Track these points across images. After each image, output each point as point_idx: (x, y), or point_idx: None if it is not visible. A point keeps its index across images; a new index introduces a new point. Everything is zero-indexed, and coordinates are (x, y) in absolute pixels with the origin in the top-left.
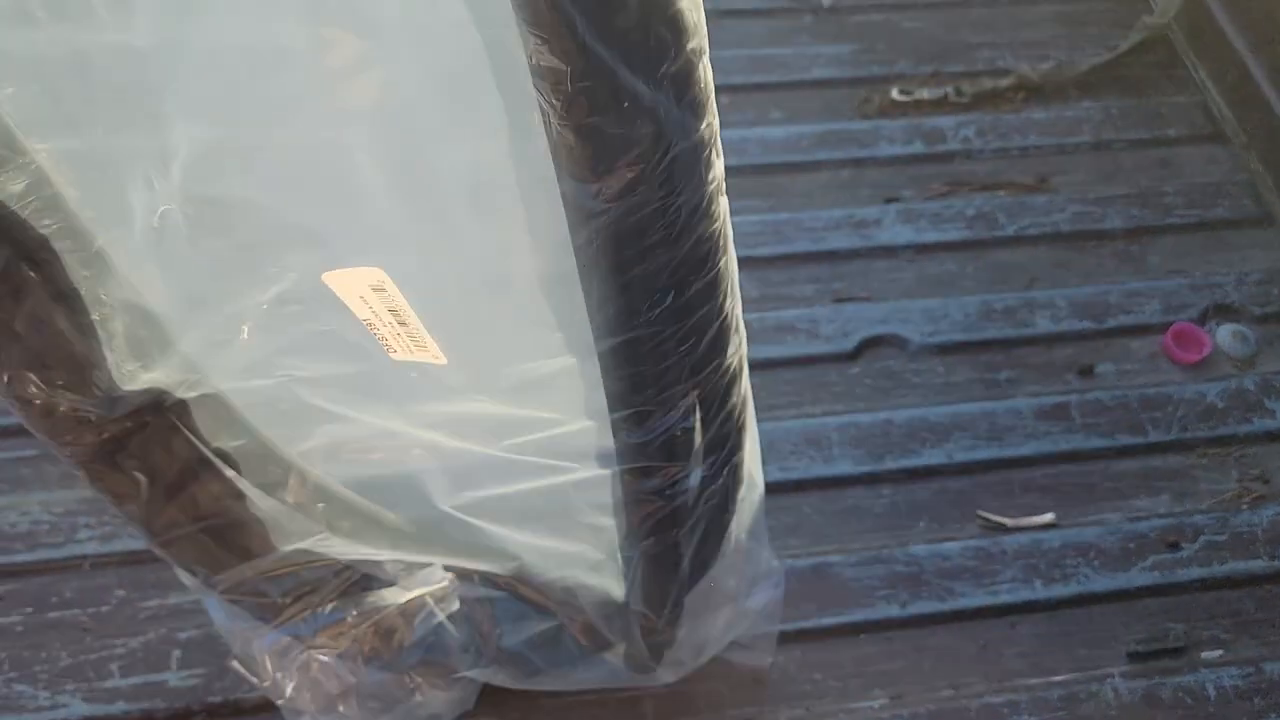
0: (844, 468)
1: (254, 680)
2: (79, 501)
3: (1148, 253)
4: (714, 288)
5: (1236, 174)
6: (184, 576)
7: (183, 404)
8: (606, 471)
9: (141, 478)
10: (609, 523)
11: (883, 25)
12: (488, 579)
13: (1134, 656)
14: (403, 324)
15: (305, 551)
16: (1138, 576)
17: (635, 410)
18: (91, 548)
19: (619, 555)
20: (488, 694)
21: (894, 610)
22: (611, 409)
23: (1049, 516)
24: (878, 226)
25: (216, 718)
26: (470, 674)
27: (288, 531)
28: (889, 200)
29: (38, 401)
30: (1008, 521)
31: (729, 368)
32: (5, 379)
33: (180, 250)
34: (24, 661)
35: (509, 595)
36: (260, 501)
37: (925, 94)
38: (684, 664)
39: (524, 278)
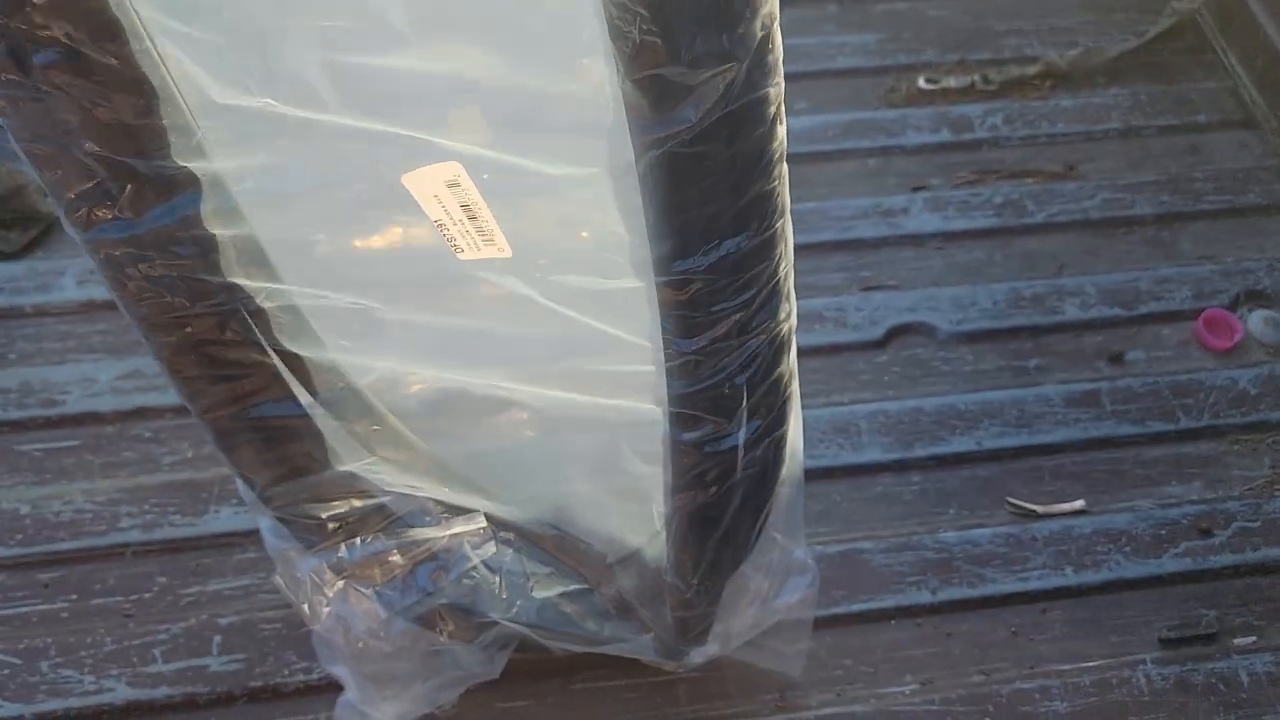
0: (873, 455)
1: (292, 600)
2: (121, 490)
3: (1178, 239)
4: (770, 247)
5: (1268, 159)
6: (242, 490)
7: (262, 313)
8: (657, 415)
9: (217, 376)
10: (650, 471)
11: (908, 13)
12: (525, 534)
13: (1166, 643)
14: (473, 218)
15: (355, 476)
16: (1169, 563)
17: (685, 360)
18: (134, 535)
19: (656, 517)
20: (521, 671)
21: (924, 596)
22: (667, 355)
23: (1079, 503)
24: (905, 215)
25: (257, 701)
26: (499, 619)
27: (341, 454)
28: (916, 189)
29: (146, 295)
30: (1038, 508)
31: (779, 335)
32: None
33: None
34: (69, 647)
35: (543, 554)
36: (320, 420)
37: (952, 82)
38: (713, 652)
39: (599, 189)
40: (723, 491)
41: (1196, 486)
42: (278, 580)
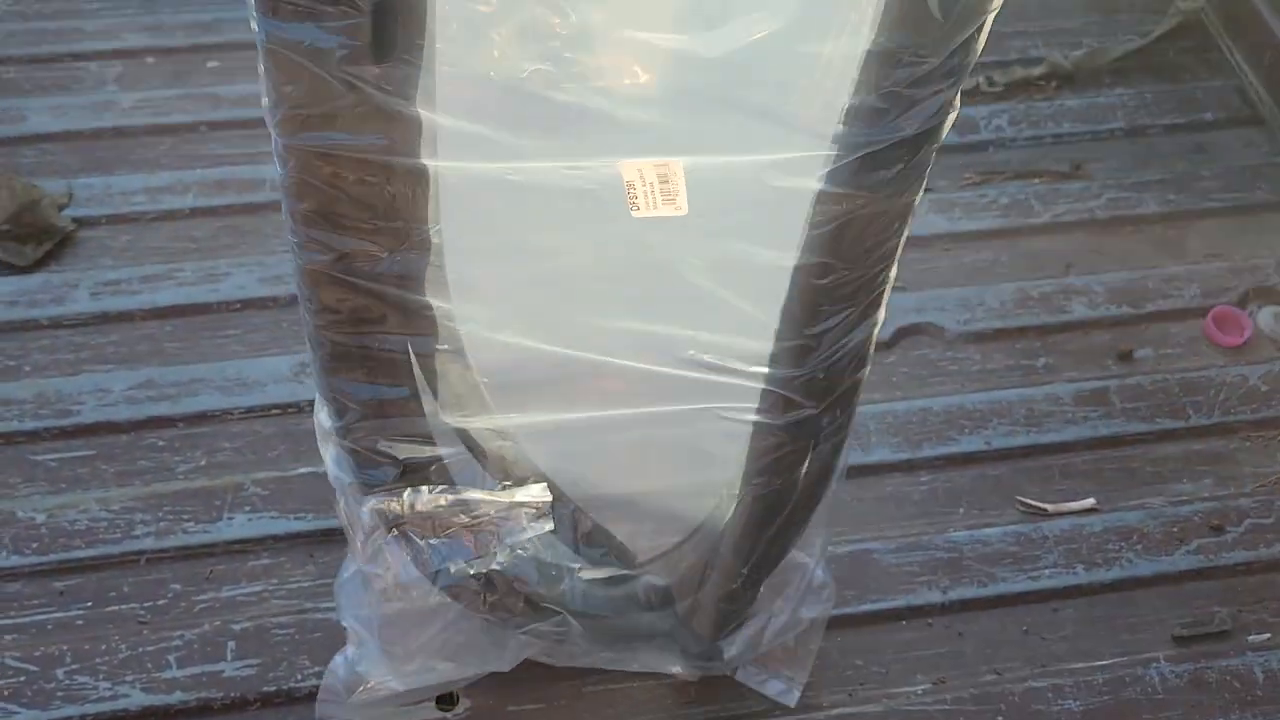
0: (882, 455)
1: (348, 536)
2: (135, 499)
3: (1185, 237)
4: (893, 254)
5: (1275, 156)
6: (322, 418)
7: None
8: (754, 391)
9: (350, 301)
10: (732, 452)
11: None
12: (581, 515)
13: (1179, 640)
14: (664, 181)
15: (437, 427)
16: (1181, 560)
17: (800, 343)
18: (148, 543)
19: (725, 498)
20: (532, 675)
21: (935, 596)
22: (782, 336)
23: (1090, 501)
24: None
25: (271, 706)
26: (544, 594)
27: (432, 403)
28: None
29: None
30: (1048, 507)
31: (870, 336)
32: None
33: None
34: (84, 654)
35: (595, 539)
36: (425, 366)
37: None
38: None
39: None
40: (790, 482)
41: (1207, 484)
42: (339, 512)
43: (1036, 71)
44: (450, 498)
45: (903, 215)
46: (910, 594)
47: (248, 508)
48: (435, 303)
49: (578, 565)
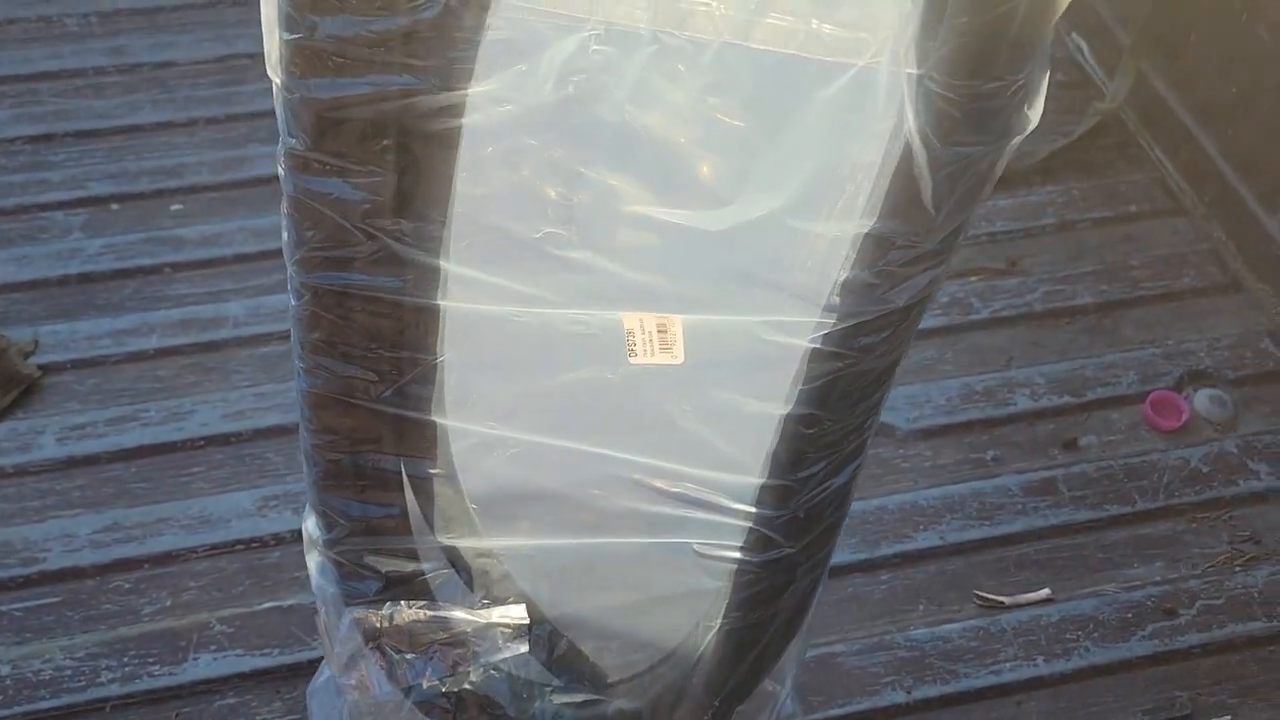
0: (841, 556)
1: (325, 645)
2: (100, 644)
3: (1120, 325)
4: (878, 405)
5: (1199, 243)
6: (310, 525)
7: (424, 377)
8: (735, 529)
9: (349, 420)
10: (710, 586)
11: None
12: (557, 636)
13: None
14: (662, 331)
15: (424, 545)
16: (1138, 646)
17: (784, 485)
18: (113, 690)
19: (700, 630)
20: None
21: (899, 696)
22: (766, 478)
23: (1045, 592)
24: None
25: None
26: (513, 717)
27: (421, 523)
28: None
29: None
30: (1005, 599)
31: (852, 479)
32: None
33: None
34: None
35: (569, 660)
36: (416, 486)
37: None
38: None
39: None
40: (765, 617)
41: (1158, 567)
42: (318, 622)
43: None
44: (429, 614)
45: (889, 370)
46: (875, 696)
47: (213, 646)
48: (434, 419)
49: (550, 687)
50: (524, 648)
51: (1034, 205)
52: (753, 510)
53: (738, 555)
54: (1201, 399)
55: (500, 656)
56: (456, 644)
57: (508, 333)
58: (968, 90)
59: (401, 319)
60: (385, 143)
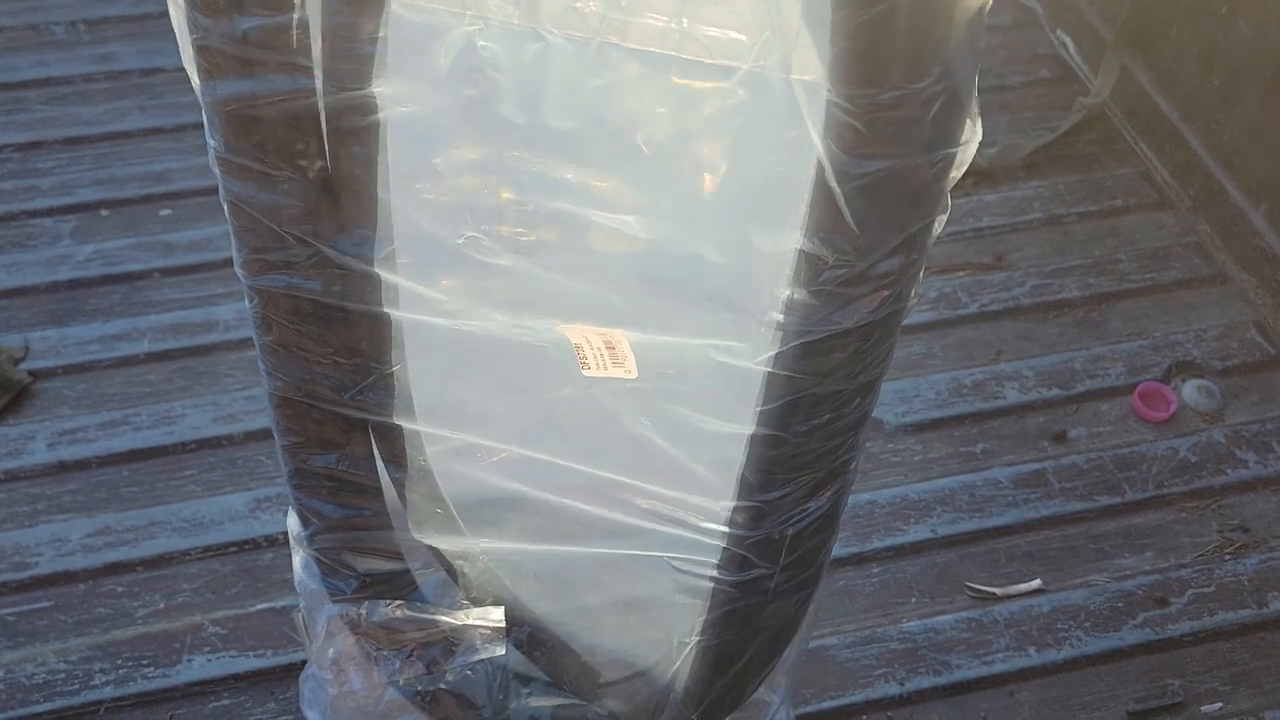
0: (833, 550)
1: (304, 641)
2: (93, 647)
3: (1107, 318)
4: (855, 426)
5: (1184, 236)
6: (292, 521)
7: (382, 381)
8: (709, 549)
9: (316, 425)
10: (686, 602)
11: None
12: (536, 635)
13: (1134, 715)
14: (610, 347)
15: (401, 544)
16: (1129, 635)
17: (755, 505)
18: (108, 692)
19: (676, 645)
20: None
21: (892, 689)
22: (738, 497)
23: (1036, 583)
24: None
25: None
26: (488, 718)
27: (398, 522)
28: None
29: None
30: (997, 591)
31: (838, 505)
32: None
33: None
34: None
35: (555, 661)
36: (390, 486)
37: None
38: None
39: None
40: (743, 635)
41: (1149, 557)
42: (296, 617)
43: None
44: (407, 613)
45: (863, 393)
46: (868, 688)
47: (207, 648)
48: (402, 424)
49: (528, 691)
50: (501, 650)
51: (1020, 200)
52: (726, 530)
53: (714, 574)
54: (1189, 390)
55: (477, 658)
56: (433, 643)
57: (462, 341)
58: (864, 100)
59: (351, 324)
60: (299, 146)
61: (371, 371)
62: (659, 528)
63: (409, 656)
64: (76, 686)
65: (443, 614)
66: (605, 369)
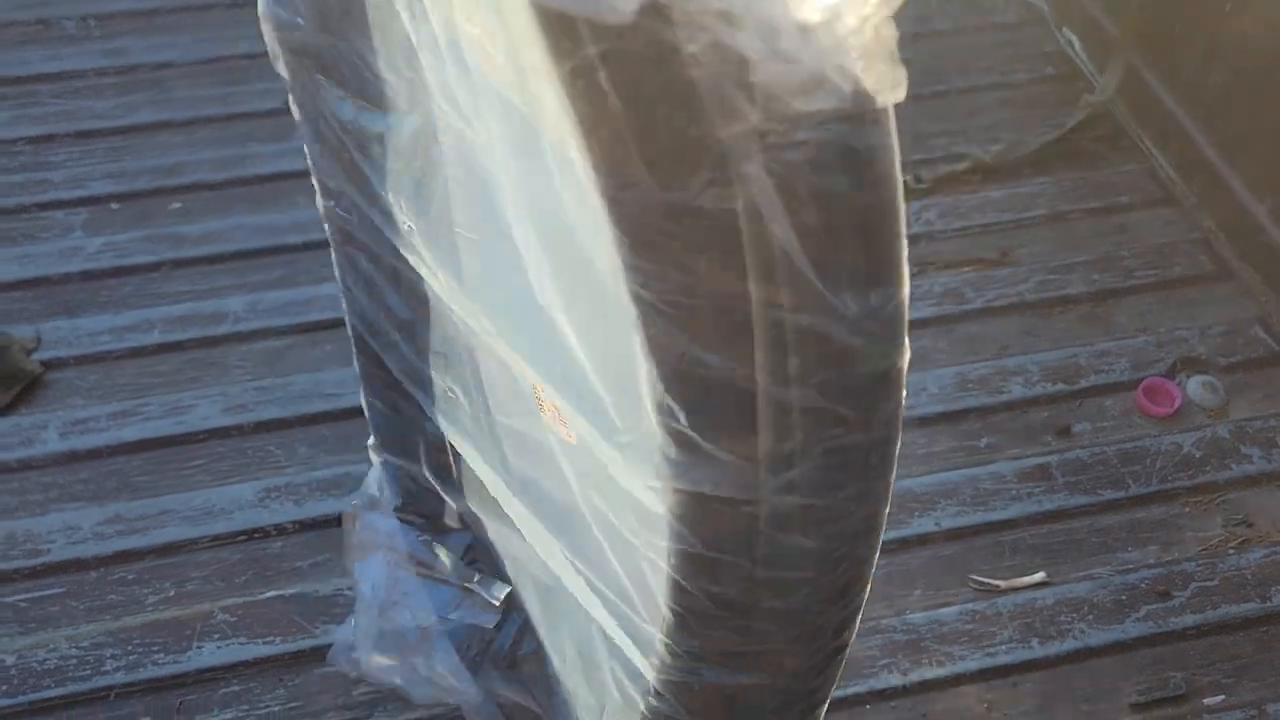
0: None
1: (347, 531)
2: (105, 633)
3: (1113, 314)
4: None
5: (1190, 233)
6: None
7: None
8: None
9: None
10: (628, 687)
11: None
12: (524, 633)
13: (1137, 707)
14: (557, 414)
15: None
16: (1132, 628)
17: (681, 657)
18: (118, 678)
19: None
20: None
21: (895, 679)
22: (662, 630)
23: (1040, 575)
24: None
25: None
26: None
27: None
28: None
29: None
30: (1000, 583)
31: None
32: None
33: None
34: None
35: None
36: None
37: None
38: None
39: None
40: None
41: (1152, 550)
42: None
43: (961, 167)
44: (423, 555)
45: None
46: (872, 678)
47: (217, 635)
48: (433, 374)
49: (498, 671)
50: (491, 622)
51: (1025, 197)
52: (650, 659)
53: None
54: (1193, 385)
55: (473, 620)
56: (439, 585)
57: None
58: None
59: (387, 273)
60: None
61: (407, 325)
62: (601, 613)
63: (415, 588)
64: (88, 672)
65: (454, 567)
66: (555, 426)
